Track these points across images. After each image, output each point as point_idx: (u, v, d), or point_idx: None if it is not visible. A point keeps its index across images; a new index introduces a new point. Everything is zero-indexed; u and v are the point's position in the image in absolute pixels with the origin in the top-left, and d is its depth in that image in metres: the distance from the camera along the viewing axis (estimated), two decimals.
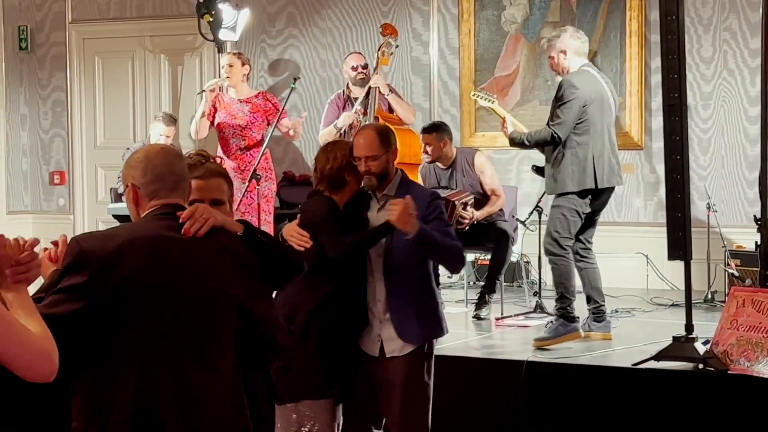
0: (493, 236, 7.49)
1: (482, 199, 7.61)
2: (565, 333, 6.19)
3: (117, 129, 10.29)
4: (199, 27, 9.59)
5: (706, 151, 8.62)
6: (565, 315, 6.26)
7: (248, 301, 3.09)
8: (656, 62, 7.98)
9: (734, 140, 8.56)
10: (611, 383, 5.66)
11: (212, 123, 8.10)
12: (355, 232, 4.60)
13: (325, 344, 4.51)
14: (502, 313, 7.39)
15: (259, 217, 7.66)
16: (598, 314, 6.48)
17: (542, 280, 7.81)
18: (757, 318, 5.43)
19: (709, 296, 7.78)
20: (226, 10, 9.36)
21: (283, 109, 7.93)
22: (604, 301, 6.52)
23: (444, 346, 6.13)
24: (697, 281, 6.60)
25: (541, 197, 7.54)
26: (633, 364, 5.63)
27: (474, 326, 7.22)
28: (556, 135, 6.21)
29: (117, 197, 8.68)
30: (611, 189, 6.47)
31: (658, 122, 7.74)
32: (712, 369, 5.43)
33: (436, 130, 7.75)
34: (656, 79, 8.18)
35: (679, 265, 5.86)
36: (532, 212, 7.77)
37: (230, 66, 8.10)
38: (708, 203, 8.04)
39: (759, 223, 6.11)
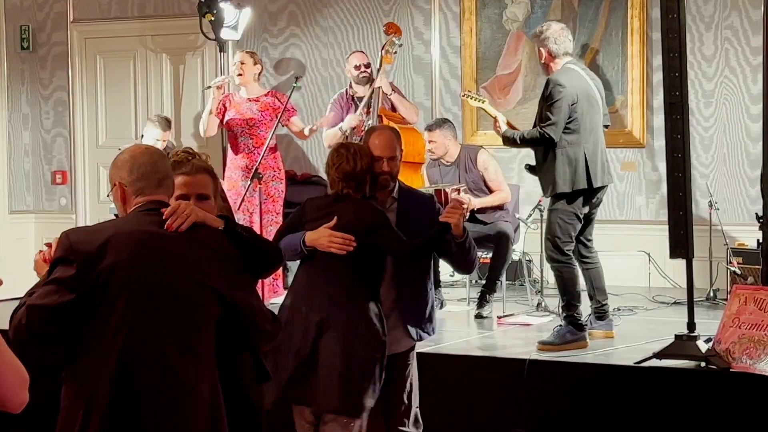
0: (493, 237, 7.50)
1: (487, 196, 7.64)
2: (572, 340, 6.14)
3: (119, 128, 10.29)
4: (200, 26, 9.60)
5: (708, 149, 8.62)
6: (574, 322, 6.21)
7: (229, 291, 3.26)
8: (658, 60, 7.97)
9: (736, 138, 8.55)
10: (613, 381, 5.65)
11: (222, 122, 8.08)
12: None
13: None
14: (504, 312, 7.39)
15: (261, 217, 7.64)
16: (600, 312, 6.48)
17: (544, 279, 7.81)
18: (760, 316, 5.42)
19: (711, 294, 7.78)
20: (227, 9, 9.37)
21: (284, 108, 7.91)
22: (606, 300, 6.52)
23: (445, 344, 6.15)
24: (699, 279, 6.59)
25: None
26: (635, 363, 5.63)
27: (476, 325, 7.22)
28: (548, 135, 6.14)
29: None
30: (605, 187, 6.44)
31: (659, 120, 7.72)
32: (715, 367, 5.42)
33: (439, 126, 7.78)
34: (658, 77, 8.17)
35: (681, 263, 5.85)
36: (534, 210, 7.78)
37: (242, 63, 8.04)
38: (710, 201, 8.04)
39: (761, 220, 6.12)
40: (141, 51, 10.27)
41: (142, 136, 8.99)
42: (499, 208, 7.70)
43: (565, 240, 6.26)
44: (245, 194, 7.66)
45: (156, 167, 3.31)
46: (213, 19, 9.39)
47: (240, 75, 8.01)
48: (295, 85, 8.03)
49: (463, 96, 7.49)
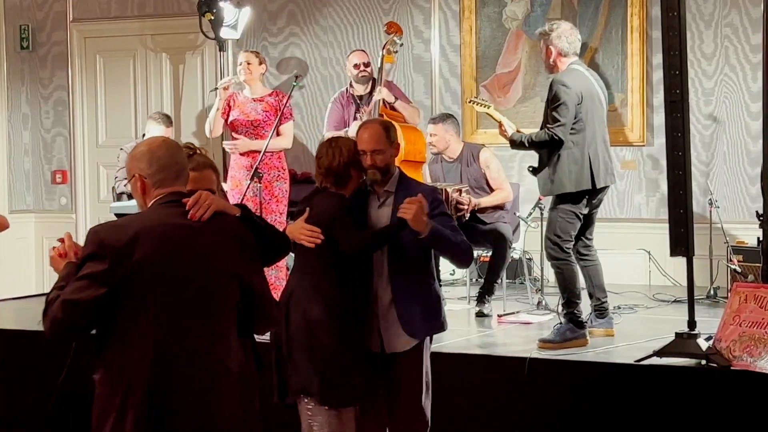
0: (491, 239, 7.50)
1: (488, 194, 7.64)
2: (572, 338, 6.15)
3: (119, 128, 10.29)
4: (200, 25, 9.60)
5: (708, 147, 8.62)
6: (574, 320, 6.22)
7: (249, 277, 3.44)
8: (658, 59, 7.98)
9: (736, 136, 8.55)
10: (613, 380, 5.65)
11: (226, 121, 8.06)
12: (358, 228, 4.62)
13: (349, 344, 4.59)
14: (504, 310, 7.40)
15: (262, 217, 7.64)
16: (600, 310, 6.48)
17: (544, 277, 7.81)
18: (760, 314, 5.42)
19: (712, 292, 7.78)
20: (227, 9, 9.37)
21: (284, 108, 7.89)
22: (606, 298, 6.52)
23: (446, 343, 6.14)
24: (699, 277, 6.59)
25: None
26: (635, 361, 5.63)
27: (476, 323, 7.22)
28: (557, 137, 6.14)
29: (119, 196, 8.69)
30: (607, 187, 6.44)
31: (659, 118, 7.74)
32: (715, 365, 5.42)
33: (442, 120, 7.80)
34: (658, 75, 8.17)
35: (682, 261, 5.85)
36: (534, 209, 7.78)
37: (248, 63, 8.02)
38: (710, 199, 8.04)
39: (761, 218, 6.13)
40: (141, 50, 10.27)
41: (144, 135, 8.97)
42: (500, 207, 7.69)
43: (565, 239, 6.27)
44: (245, 193, 7.64)
45: (174, 159, 3.43)
46: (213, 18, 9.39)
47: (249, 74, 7.96)
48: (295, 84, 8.00)
49: (469, 102, 7.48)
